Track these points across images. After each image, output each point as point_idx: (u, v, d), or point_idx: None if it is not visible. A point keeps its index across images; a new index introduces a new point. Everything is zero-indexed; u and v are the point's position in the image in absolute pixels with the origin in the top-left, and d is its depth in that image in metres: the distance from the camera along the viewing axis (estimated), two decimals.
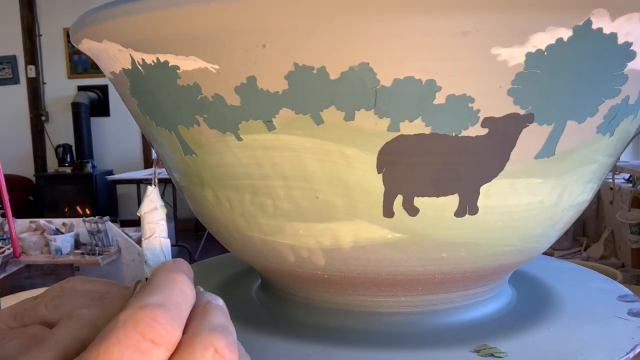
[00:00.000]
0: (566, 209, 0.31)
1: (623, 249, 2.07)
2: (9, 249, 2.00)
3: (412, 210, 0.28)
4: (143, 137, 4.95)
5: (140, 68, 0.28)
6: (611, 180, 2.06)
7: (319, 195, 0.27)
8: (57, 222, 2.39)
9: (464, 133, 0.25)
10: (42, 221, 2.38)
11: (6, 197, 1.09)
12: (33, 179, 4.80)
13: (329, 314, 0.34)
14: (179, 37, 0.25)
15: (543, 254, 0.45)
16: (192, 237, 4.42)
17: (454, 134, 0.25)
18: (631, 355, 0.30)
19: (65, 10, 4.69)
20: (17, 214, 2.35)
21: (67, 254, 2.24)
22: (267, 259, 0.33)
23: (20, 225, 2.34)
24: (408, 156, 0.26)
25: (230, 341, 0.20)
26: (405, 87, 0.23)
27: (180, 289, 0.21)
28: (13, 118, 4.92)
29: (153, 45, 0.26)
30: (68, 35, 4.92)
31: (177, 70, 0.26)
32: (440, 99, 0.24)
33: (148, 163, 4.91)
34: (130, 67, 0.29)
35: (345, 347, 0.31)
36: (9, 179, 3.97)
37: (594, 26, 0.23)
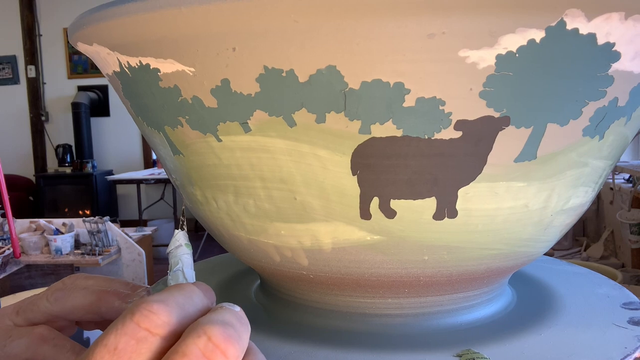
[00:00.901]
0: (556, 213, 0.31)
1: (623, 249, 2.06)
2: (9, 249, 2.00)
3: (389, 213, 0.27)
4: (143, 137, 4.97)
5: (127, 71, 0.29)
6: (611, 180, 2.06)
7: (297, 197, 0.28)
8: (57, 222, 2.40)
9: (437, 136, 0.25)
10: (42, 221, 2.38)
11: (6, 197, 1.09)
12: (33, 179, 4.81)
13: (316, 313, 0.34)
14: (157, 40, 0.26)
15: (547, 255, 0.44)
16: (192, 237, 4.43)
17: (426, 137, 0.25)
18: None
19: (65, 10, 4.70)
20: (17, 214, 2.36)
21: (67, 254, 2.25)
22: (255, 258, 0.33)
23: (20, 225, 2.34)
24: (381, 158, 0.25)
25: (230, 333, 0.20)
26: (374, 90, 0.23)
27: (186, 295, 0.21)
28: (13, 118, 4.94)
29: (135, 49, 0.27)
30: (68, 35, 4.92)
31: (158, 73, 0.27)
32: (409, 101, 0.23)
33: (148, 163, 4.92)
34: (119, 70, 0.29)
35: (330, 347, 0.31)
36: (9, 179, 3.98)
37: (569, 27, 0.22)
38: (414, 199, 0.27)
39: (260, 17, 0.22)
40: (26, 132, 4.97)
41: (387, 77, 0.23)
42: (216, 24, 0.23)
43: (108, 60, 0.30)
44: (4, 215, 2.05)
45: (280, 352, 0.31)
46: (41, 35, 4.82)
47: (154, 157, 4.89)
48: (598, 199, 2.27)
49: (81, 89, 4.82)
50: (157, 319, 0.19)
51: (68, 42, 4.86)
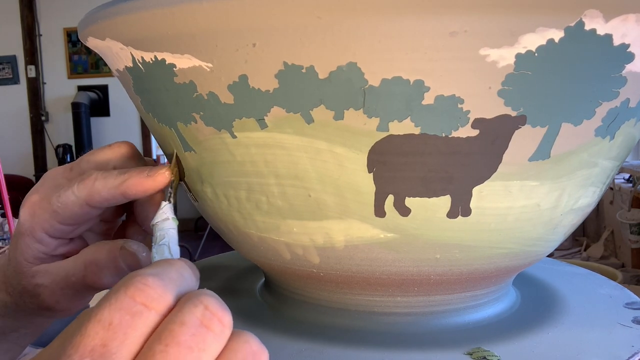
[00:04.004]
0: (565, 213, 0.31)
1: (623, 249, 2.06)
2: (9, 248, 2.00)
3: (404, 211, 0.28)
4: (143, 136, 4.96)
5: (140, 66, 0.28)
6: (611, 180, 2.07)
7: (311, 194, 0.28)
8: None
9: (454, 134, 0.25)
10: None
11: (6, 197, 1.09)
12: (33, 179, 4.80)
13: (324, 312, 0.34)
14: (174, 35, 0.25)
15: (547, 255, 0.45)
16: (192, 237, 4.43)
17: (443, 135, 0.25)
18: None
19: (65, 10, 4.70)
20: (17, 214, 2.34)
21: None
22: (265, 255, 0.33)
23: None
24: (398, 156, 0.26)
25: (223, 304, 0.20)
26: (394, 87, 0.23)
27: (178, 270, 0.21)
28: (13, 118, 4.94)
29: (150, 44, 0.27)
30: (68, 35, 4.94)
31: (174, 69, 0.27)
32: (429, 99, 0.24)
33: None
34: (132, 65, 0.29)
35: (338, 345, 0.31)
36: (9, 179, 3.96)
37: (587, 27, 0.22)
38: (429, 197, 0.27)
39: (283, 13, 0.22)
40: (26, 132, 4.97)
41: (408, 75, 0.23)
42: (237, 20, 0.23)
43: (120, 55, 0.29)
44: (4, 215, 2.05)
45: (290, 350, 0.31)
46: (41, 35, 4.81)
47: (154, 157, 4.89)
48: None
49: (81, 89, 4.81)
50: (153, 292, 0.19)
51: (68, 42, 4.86)
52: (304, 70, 0.24)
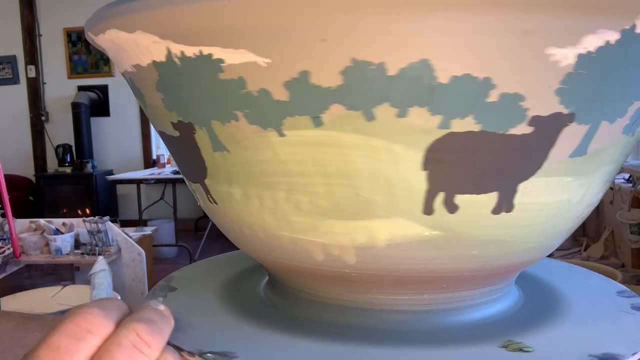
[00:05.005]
0: (586, 207, 0.32)
1: (623, 249, 2.08)
2: (9, 249, 2.00)
3: (452, 208, 0.28)
4: (143, 137, 4.95)
5: (176, 61, 0.27)
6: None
7: (360, 192, 0.27)
8: (57, 222, 2.39)
9: (511, 131, 0.25)
10: (42, 221, 2.38)
11: (6, 197, 1.09)
12: (33, 179, 4.80)
13: (345, 312, 0.34)
14: (231, 29, 0.24)
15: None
16: (192, 237, 4.43)
17: (501, 132, 0.25)
18: None
19: (65, 10, 4.69)
20: (17, 214, 2.35)
21: (67, 254, 2.25)
22: (292, 258, 0.32)
23: (20, 225, 2.33)
24: (455, 154, 0.26)
25: (153, 329, 0.24)
26: (462, 85, 0.24)
27: (114, 302, 0.26)
28: (13, 118, 4.92)
29: (198, 38, 0.26)
30: (68, 35, 4.91)
31: (221, 64, 0.26)
32: (493, 97, 0.24)
33: (148, 163, 4.91)
34: (163, 60, 0.28)
35: (362, 345, 0.31)
36: (9, 179, 3.96)
37: (637, 30, 0.24)
38: (478, 194, 0.28)
39: (359, 8, 0.22)
40: (26, 132, 4.96)
41: (478, 72, 0.23)
42: (310, 15, 0.23)
43: (150, 49, 0.28)
44: (4, 215, 2.05)
45: (325, 351, 0.30)
46: (41, 35, 4.81)
47: (154, 157, 4.87)
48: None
49: (81, 89, 4.81)
50: (96, 320, 0.23)
51: (68, 42, 4.83)
52: (373, 67, 0.23)
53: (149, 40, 0.27)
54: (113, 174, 4.42)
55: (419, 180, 0.27)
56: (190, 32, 0.25)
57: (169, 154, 5.10)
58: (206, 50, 0.26)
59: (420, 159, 0.26)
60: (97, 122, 4.88)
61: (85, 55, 4.81)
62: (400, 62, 0.23)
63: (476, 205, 0.28)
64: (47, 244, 2.26)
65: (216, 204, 0.33)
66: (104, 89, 4.83)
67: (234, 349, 0.30)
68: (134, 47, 0.29)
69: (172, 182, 3.86)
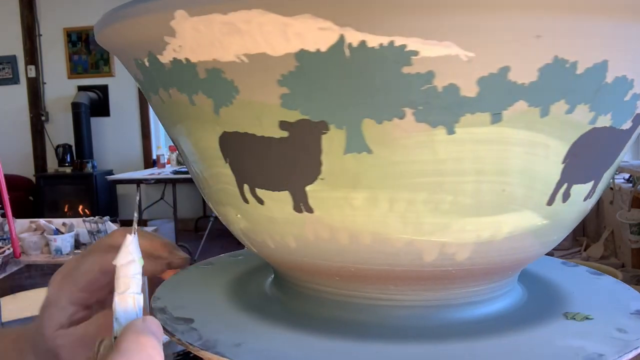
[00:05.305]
0: (595, 197, 0.36)
1: (623, 249, 2.06)
2: (9, 249, 2.00)
3: (567, 197, 0.31)
4: (143, 137, 4.96)
5: (345, 51, 0.24)
6: (611, 180, 2.06)
7: (506, 188, 0.28)
8: (57, 222, 2.40)
9: (623, 127, 0.29)
10: (42, 221, 2.39)
11: (6, 197, 1.09)
12: (33, 179, 4.82)
13: (391, 311, 0.34)
14: (438, 20, 0.23)
15: (547, 255, 0.46)
16: (192, 237, 4.43)
17: (619, 128, 0.29)
18: None
19: (65, 10, 4.71)
20: (17, 214, 2.35)
21: (67, 254, 2.25)
22: (384, 261, 0.31)
23: (20, 225, 2.34)
24: (587, 147, 0.28)
25: None
26: (618, 85, 0.27)
27: (148, 355, 0.22)
28: (13, 118, 4.94)
29: (393, 27, 0.23)
30: (68, 35, 4.91)
31: (413, 56, 0.24)
32: (628, 96, 0.28)
33: (148, 163, 4.92)
34: (322, 49, 0.25)
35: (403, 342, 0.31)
36: (9, 179, 3.95)
37: None
38: (584, 183, 0.31)
39: (580, 10, 0.23)
40: (26, 132, 4.98)
41: (631, 74, 0.26)
42: (533, 11, 0.23)
43: (304, 36, 0.24)
44: (4, 215, 2.05)
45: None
46: (41, 35, 4.82)
47: (154, 157, 4.88)
48: (598, 199, 2.28)
49: (81, 89, 4.83)
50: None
51: (68, 42, 4.85)
52: (567, 65, 0.25)
53: (314, 26, 0.24)
54: (113, 174, 4.44)
55: (556, 173, 0.29)
56: (385, 20, 0.23)
57: (169, 153, 5.15)
58: (400, 41, 0.24)
59: (564, 153, 0.28)
60: (97, 122, 4.90)
61: (85, 55, 4.83)
62: (587, 61, 0.25)
63: (579, 194, 0.31)
64: (47, 244, 2.27)
65: (311, 212, 0.30)
66: (104, 89, 4.85)
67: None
68: (273, 32, 0.25)
69: (172, 182, 3.86)
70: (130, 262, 0.25)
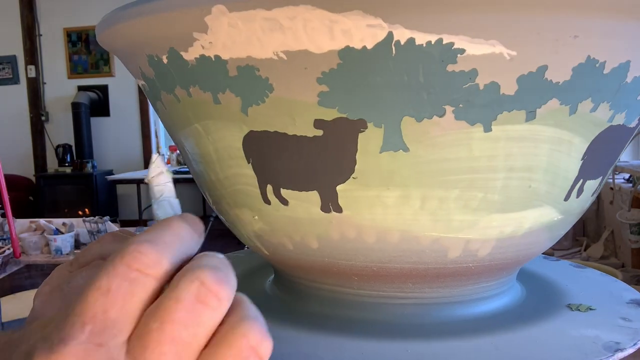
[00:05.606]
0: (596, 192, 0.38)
1: (623, 249, 2.06)
2: (9, 249, 2.00)
3: (581, 193, 0.32)
4: (143, 137, 4.95)
5: (392, 48, 0.24)
6: (611, 181, 2.06)
7: (532, 184, 0.29)
8: (57, 222, 2.40)
9: (632, 124, 0.31)
10: (42, 221, 2.39)
11: (6, 197, 1.09)
12: (33, 179, 4.81)
13: (401, 308, 0.34)
14: (486, 19, 0.24)
15: (548, 255, 0.48)
16: None
17: (629, 125, 0.31)
18: None
19: (65, 10, 4.70)
20: (17, 214, 2.35)
21: (67, 254, 2.25)
22: (410, 260, 0.31)
23: (20, 225, 2.34)
24: (604, 144, 0.30)
25: (221, 276, 0.19)
26: (637, 85, 0.28)
27: (173, 232, 0.21)
28: (13, 118, 4.93)
29: (441, 25, 0.24)
30: (68, 35, 4.91)
31: (459, 54, 0.24)
32: None
33: (148, 163, 4.90)
34: (369, 46, 0.24)
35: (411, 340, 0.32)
36: (9, 179, 3.95)
37: None
38: (595, 179, 0.32)
39: (622, 12, 0.24)
40: (26, 132, 4.97)
41: None
42: (574, 10, 0.24)
43: (352, 33, 0.24)
44: (4, 215, 2.05)
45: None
46: (41, 35, 4.81)
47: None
48: (598, 199, 2.27)
49: (81, 89, 4.82)
50: (147, 259, 0.19)
51: (68, 42, 4.85)
52: (597, 65, 0.26)
53: (362, 24, 0.24)
54: (113, 174, 4.43)
55: (575, 169, 0.30)
56: (434, 18, 0.24)
57: (169, 153, 5.17)
58: (448, 39, 0.24)
59: (584, 150, 0.29)
60: (97, 122, 4.88)
61: (85, 55, 4.82)
62: (615, 61, 0.26)
63: (590, 189, 0.32)
64: (47, 244, 2.26)
65: (340, 212, 0.30)
66: (104, 89, 4.84)
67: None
68: (314, 29, 0.25)
69: (172, 182, 3.85)
70: (159, 173, 0.28)
